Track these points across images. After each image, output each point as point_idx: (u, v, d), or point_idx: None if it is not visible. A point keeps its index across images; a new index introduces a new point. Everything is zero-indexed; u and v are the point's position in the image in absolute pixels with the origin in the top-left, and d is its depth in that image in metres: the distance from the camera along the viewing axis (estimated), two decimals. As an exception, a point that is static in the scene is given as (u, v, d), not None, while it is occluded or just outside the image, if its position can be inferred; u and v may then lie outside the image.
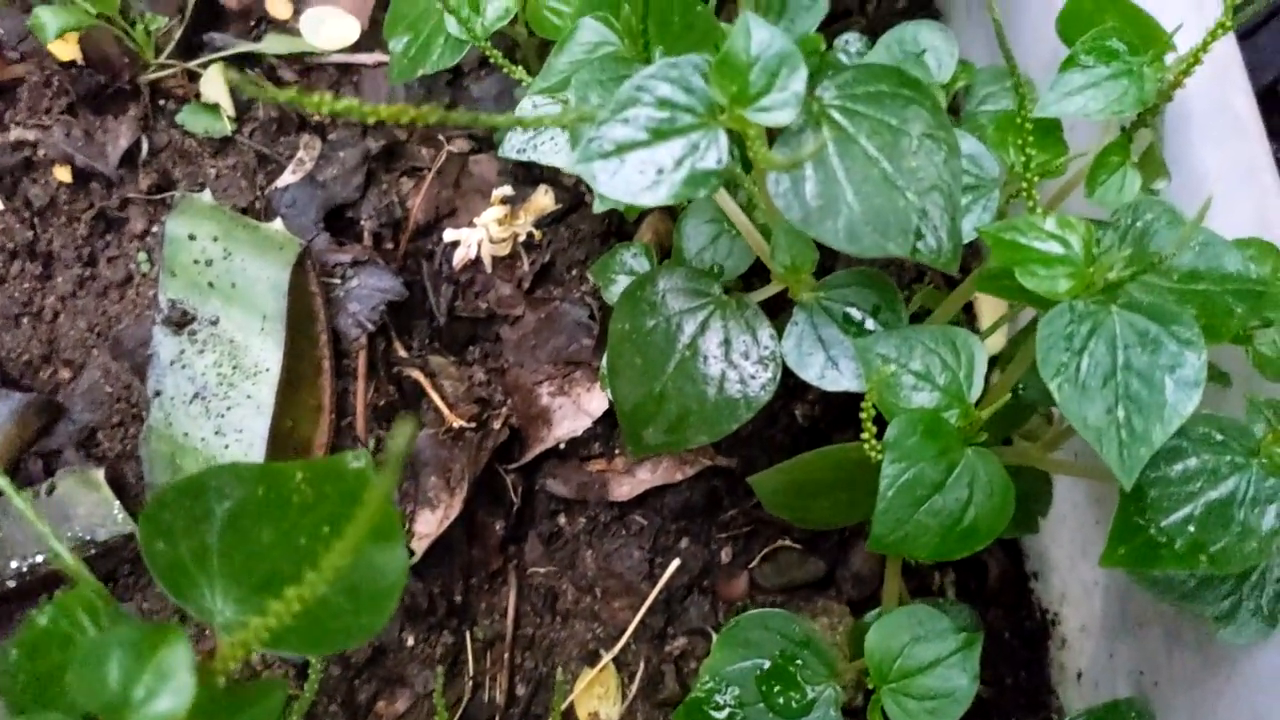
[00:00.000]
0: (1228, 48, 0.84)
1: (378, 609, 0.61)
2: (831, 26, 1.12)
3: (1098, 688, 0.93)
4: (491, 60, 0.80)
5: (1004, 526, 0.70)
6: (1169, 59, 0.78)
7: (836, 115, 0.65)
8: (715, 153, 0.62)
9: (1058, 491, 0.95)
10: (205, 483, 0.65)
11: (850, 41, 0.98)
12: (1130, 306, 0.64)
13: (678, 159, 0.62)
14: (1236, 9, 0.73)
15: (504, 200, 1.05)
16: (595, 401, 1.00)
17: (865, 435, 0.68)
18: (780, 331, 0.77)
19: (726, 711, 0.77)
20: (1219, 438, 0.67)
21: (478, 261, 1.06)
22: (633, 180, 0.62)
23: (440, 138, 1.11)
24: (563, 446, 1.00)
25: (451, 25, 0.92)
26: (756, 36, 0.61)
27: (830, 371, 0.74)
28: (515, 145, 0.91)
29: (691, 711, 0.78)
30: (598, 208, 0.69)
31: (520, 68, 0.78)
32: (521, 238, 1.06)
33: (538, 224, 1.06)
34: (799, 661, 0.77)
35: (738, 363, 0.76)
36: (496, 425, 1.02)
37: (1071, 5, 0.80)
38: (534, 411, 1.02)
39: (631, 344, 0.79)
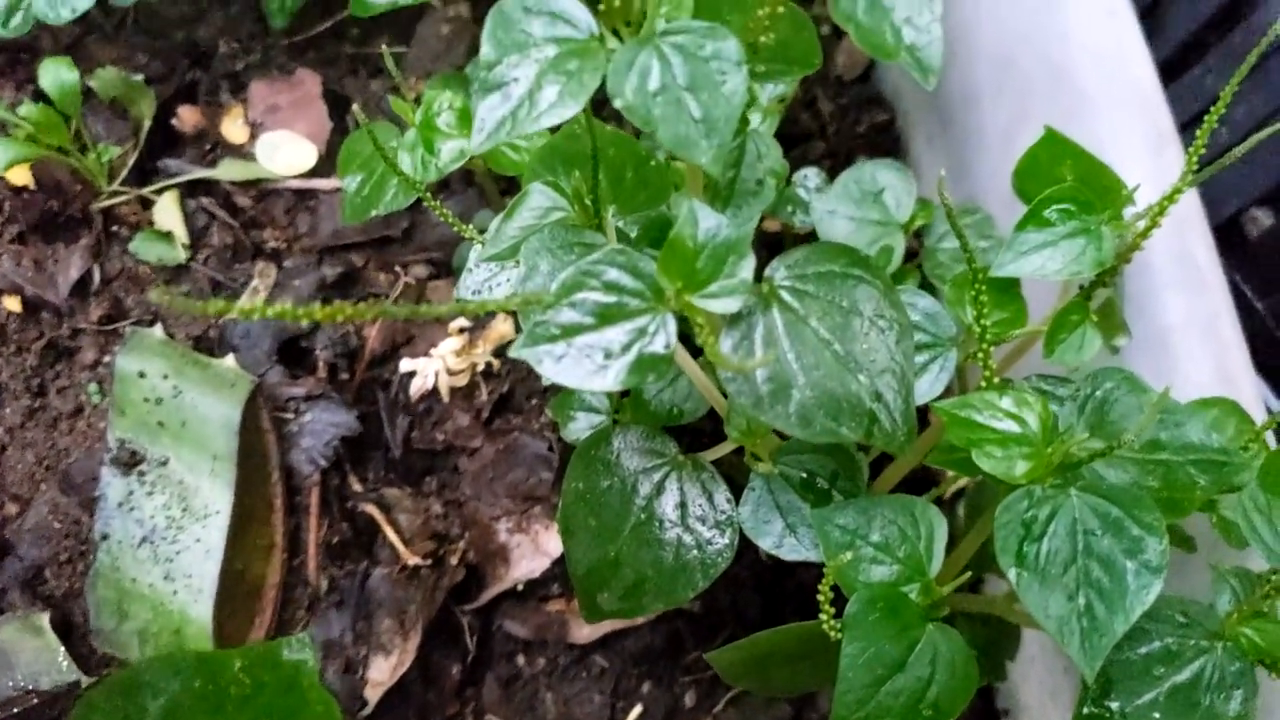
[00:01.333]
0: (1188, 197, 0.83)
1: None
2: (792, 151, 1.12)
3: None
4: (436, 212, 0.78)
5: (967, 703, 0.68)
6: (1128, 212, 0.77)
7: (787, 296, 0.63)
8: (663, 337, 0.61)
9: (1028, 633, 0.93)
10: (139, 679, 0.63)
11: (809, 176, 0.98)
12: (1090, 489, 0.63)
13: (625, 343, 0.61)
14: (1198, 169, 0.72)
15: (462, 330, 1.04)
16: (554, 541, 0.98)
17: (824, 615, 0.66)
18: (738, 491, 0.76)
19: None
20: (1182, 619, 0.65)
21: (435, 391, 1.04)
22: (579, 365, 0.60)
23: (397, 265, 1.10)
24: (520, 588, 0.97)
25: (405, 164, 0.91)
26: (704, 224, 0.60)
27: (788, 540, 0.73)
28: (471, 287, 0.89)
29: None
30: (547, 380, 0.68)
31: (470, 227, 0.76)
32: (480, 367, 1.04)
33: (497, 353, 1.05)
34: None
35: (694, 527, 0.74)
36: (453, 562, 1.00)
37: (1027, 157, 0.79)
38: (492, 548, 1.00)
39: (586, 504, 0.77)
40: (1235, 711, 0.64)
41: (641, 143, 0.80)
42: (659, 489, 0.76)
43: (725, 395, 0.76)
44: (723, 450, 0.77)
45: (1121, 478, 0.68)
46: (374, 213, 0.93)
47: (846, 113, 1.16)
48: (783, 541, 0.73)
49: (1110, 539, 0.62)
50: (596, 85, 0.57)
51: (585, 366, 0.60)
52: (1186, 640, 0.65)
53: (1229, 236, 0.97)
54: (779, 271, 0.64)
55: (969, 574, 0.69)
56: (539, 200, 0.72)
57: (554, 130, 0.82)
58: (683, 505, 0.75)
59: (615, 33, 0.59)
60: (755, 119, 0.62)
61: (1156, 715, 0.64)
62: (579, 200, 0.71)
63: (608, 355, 0.61)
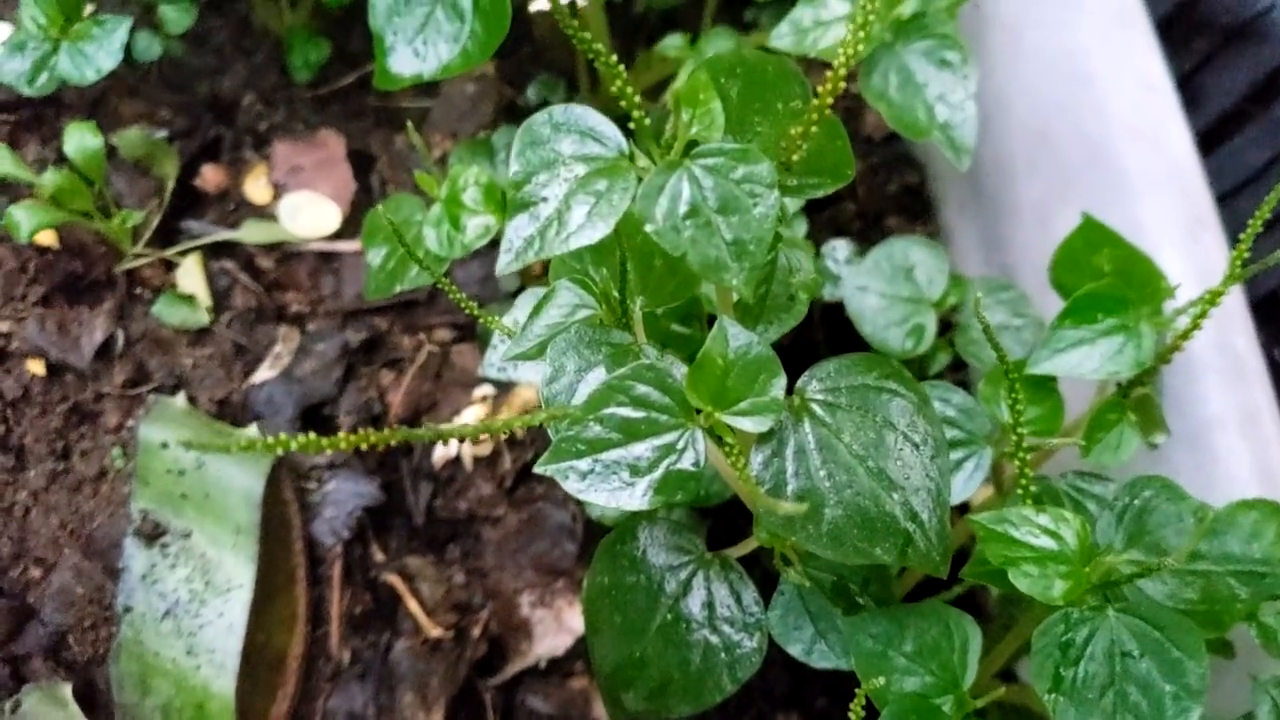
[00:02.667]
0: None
1: None
2: (821, 213, 1.10)
3: None
4: (451, 296, 0.77)
5: (1000, 818, 0.67)
6: (1168, 305, 0.75)
7: (819, 410, 0.62)
8: (692, 454, 0.60)
9: None
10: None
11: (838, 248, 0.96)
12: (1129, 610, 0.62)
13: (653, 460, 0.60)
14: (1245, 262, 0.70)
15: (485, 397, 1.03)
16: (577, 618, 0.97)
17: (853, 729, 0.65)
18: (766, 588, 0.74)
19: None
20: (1223, 742, 0.64)
21: (458, 460, 1.03)
22: (606, 482, 0.59)
23: (421, 330, 1.09)
24: (543, 665, 0.96)
25: (430, 240, 0.90)
26: (734, 342, 0.59)
27: (819, 646, 0.71)
28: (495, 364, 0.89)
29: None
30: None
31: (495, 316, 0.75)
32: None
33: (521, 420, 1.04)
34: None
35: (722, 629, 0.73)
36: (476, 634, 0.99)
37: (1064, 248, 0.78)
38: (515, 622, 0.99)
39: (611, 600, 0.76)
40: (1278, 838, 0.62)
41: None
42: (686, 587, 0.75)
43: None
44: (750, 546, 0.76)
45: (1160, 590, 0.66)
46: (398, 288, 0.92)
47: (876, 173, 1.14)
48: (813, 648, 0.72)
49: (1149, 662, 0.61)
50: (626, 205, 0.56)
51: (612, 484, 0.60)
52: (1227, 763, 0.63)
53: (1270, 313, 0.95)
54: (811, 384, 0.63)
55: (1003, 689, 0.67)
56: (566, 298, 0.71)
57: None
58: (710, 605, 0.74)
59: (644, 147, 0.58)
60: (787, 229, 0.61)
61: (1197, 840, 0.62)
62: (606, 298, 0.70)
63: (635, 471, 0.60)
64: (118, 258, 1.09)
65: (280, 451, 0.52)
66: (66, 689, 0.95)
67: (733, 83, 0.61)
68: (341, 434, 0.52)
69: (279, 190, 1.13)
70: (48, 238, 1.09)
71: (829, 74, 0.56)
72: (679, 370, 0.63)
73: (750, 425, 0.59)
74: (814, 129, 0.56)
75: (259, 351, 1.08)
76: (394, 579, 1.01)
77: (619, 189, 0.56)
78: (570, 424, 0.60)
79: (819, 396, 0.63)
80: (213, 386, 1.06)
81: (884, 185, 1.13)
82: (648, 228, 0.55)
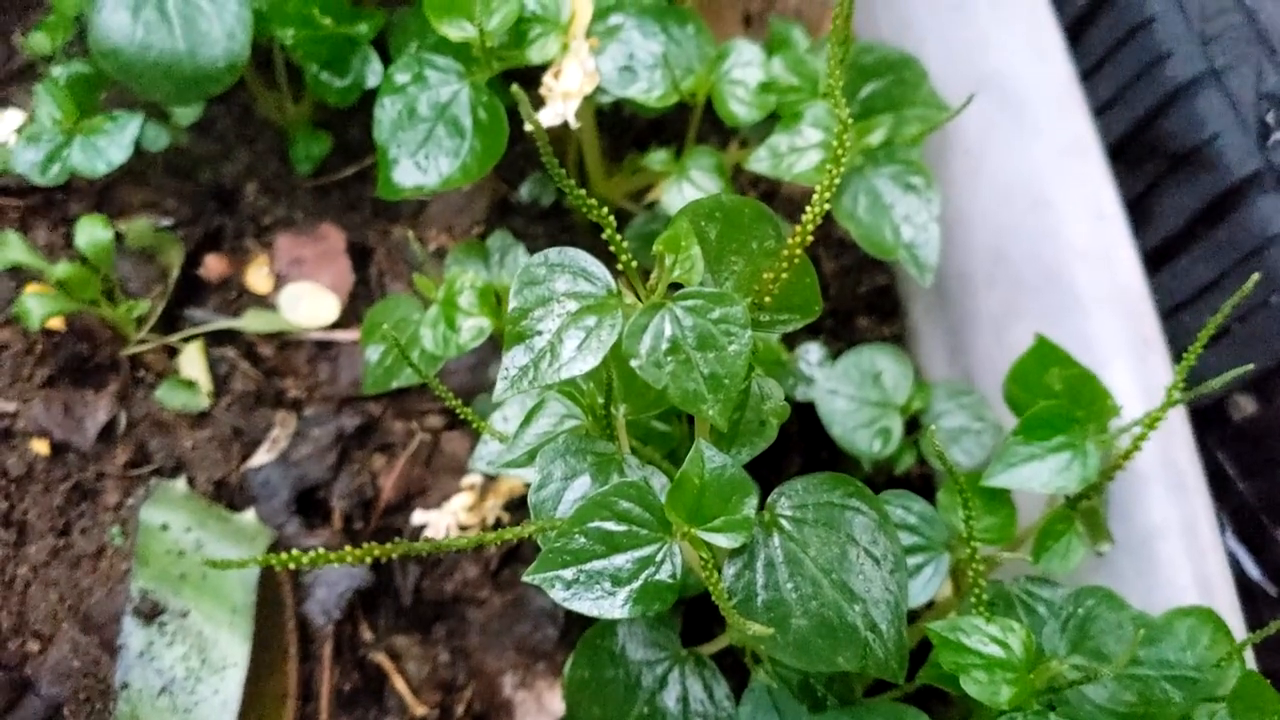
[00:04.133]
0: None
1: None
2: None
3: None
4: (440, 395, 0.82)
5: None
6: (1113, 423, 0.81)
7: (788, 525, 0.67)
8: (669, 567, 0.65)
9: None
10: None
11: (810, 351, 1.02)
12: (1070, 715, 0.67)
13: (633, 571, 0.65)
14: (1187, 385, 0.76)
15: (473, 486, 1.08)
16: (556, 700, 1.01)
17: (816, 823, 0.69)
18: (737, 683, 0.79)
19: None
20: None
21: (446, 544, 1.08)
22: (589, 591, 0.64)
23: (414, 418, 1.14)
24: (525, 746, 1.01)
25: (426, 340, 0.96)
26: (710, 464, 0.64)
27: (785, 742, 0.76)
28: (485, 458, 0.94)
29: None
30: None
31: (489, 423, 0.80)
32: (490, 521, 1.08)
33: (507, 506, 1.09)
34: None
35: (695, 723, 0.78)
36: (460, 712, 1.03)
37: (1018, 366, 0.84)
38: (498, 702, 1.03)
39: (591, 693, 0.80)
40: None
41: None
42: (662, 682, 0.79)
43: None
44: (722, 643, 0.81)
45: (1100, 694, 0.71)
46: (394, 384, 0.97)
47: (848, 274, 1.20)
48: (781, 744, 0.76)
49: (1089, 763, 0.66)
50: (614, 340, 0.62)
51: (595, 593, 0.65)
52: None
53: (1214, 419, 1.02)
54: (781, 501, 0.68)
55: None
56: (555, 409, 0.77)
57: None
58: (685, 700, 0.79)
59: (630, 283, 0.64)
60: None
61: None
62: (592, 409, 0.75)
63: (616, 581, 0.65)
64: (122, 343, 1.14)
65: (290, 566, 0.57)
66: (63, 763, 0.98)
67: (712, 225, 0.67)
68: (348, 549, 0.57)
69: (280, 280, 1.18)
70: (55, 322, 1.14)
71: (804, 217, 0.62)
72: (659, 481, 0.68)
73: (724, 541, 0.64)
74: (784, 275, 0.62)
75: (257, 435, 1.12)
76: (382, 658, 1.05)
77: (607, 325, 0.62)
78: (557, 536, 0.65)
79: (788, 513, 0.68)
80: (211, 468, 1.11)
81: (855, 286, 1.19)
82: (632, 363, 0.60)
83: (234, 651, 1.00)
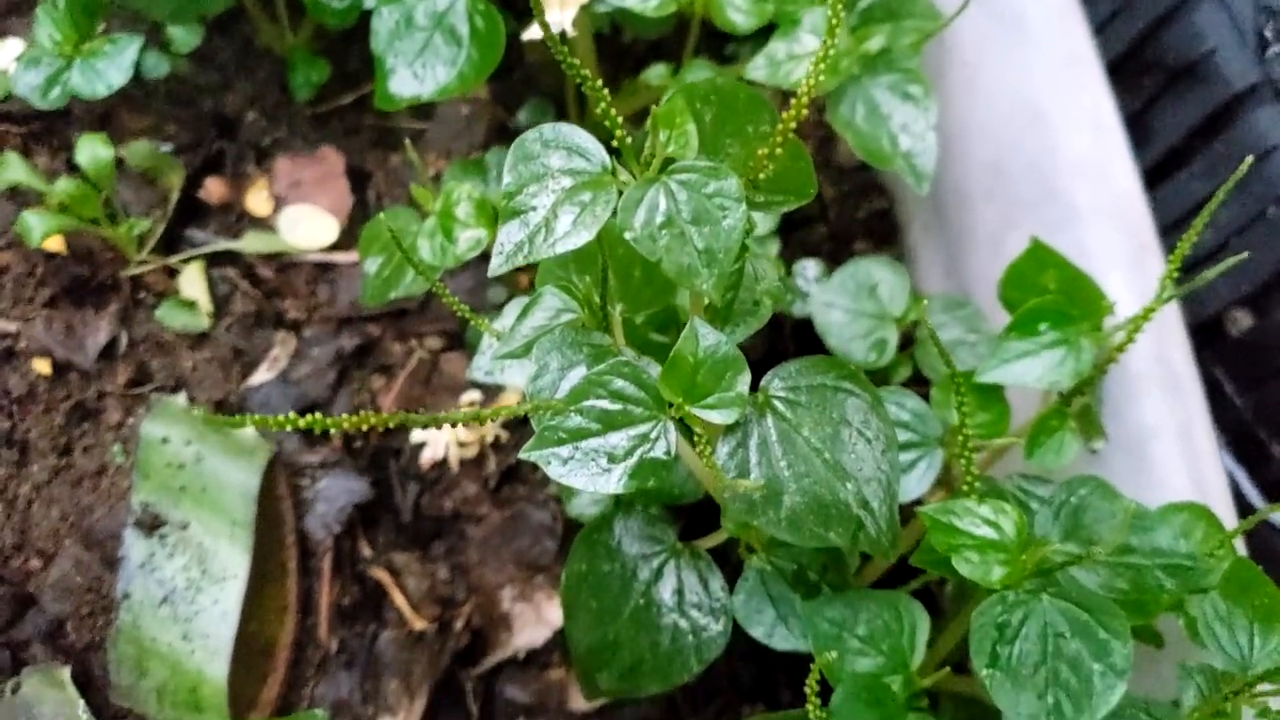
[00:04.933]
0: (1168, 306, 0.88)
1: None
2: (794, 234, 1.16)
3: None
4: (447, 302, 0.83)
5: (944, 790, 0.72)
6: (1108, 322, 0.81)
7: (781, 406, 0.68)
8: (664, 444, 0.65)
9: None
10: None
11: (808, 267, 1.02)
12: (1061, 594, 0.67)
13: (628, 448, 0.65)
14: (1178, 280, 0.77)
15: (472, 404, 1.08)
16: (555, 611, 1.02)
17: (810, 706, 0.70)
18: (732, 577, 0.80)
19: None
20: (1146, 719, 0.69)
21: (445, 461, 1.08)
22: (585, 468, 0.65)
23: (412, 337, 1.14)
24: (522, 656, 1.01)
25: (424, 251, 0.96)
26: (704, 341, 0.65)
27: (779, 629, 0.77)
28: (483, 368, 0.94)
29: None
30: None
31: (485, 319, 0.81)
32: (489, 439, 1.09)
33: (505, 426, 1.09)
34: None
35: (690, 614, 0.79)
36: (458, 627, 1.04)
37: (1014, 267, 0.84)
38: (496, 615, 1.04)
39: (588, 586, 0.81)
40: (1196, 809, 0.68)
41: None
42: (658, 574, 0.80)
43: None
44: (718, 538, 0.82)
45: (1092, 581, 0.72)
46: (393, 295, 0.97)
47: (847, 199, 1.20)
48: (774, 631, 0.77)
49: (1079, 642, 0.66)
50: (608, 215, 0.62)
51: (590, 470, 0.65)
52: (1150, 739, 0.69)
53: (1211, 334, 1.02)
54: (774, 383, 0.69)
55: (948, 669, 0.72)
56: (551, 302, 0.77)
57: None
58: (680, 591, 0.79)
59: (625, 163, 0.64)
60: (755, 242, 0.67)
61: (1121, 810, 0.68)
62: (588, 303, 0.76)
63: (612, 459, 0.65)
64: (123, 264, 1.15)
65: (288, 429, 0.58)
66: (65, 672, 0.99)
67: (707, 108, 0.67)
68: (344, 415, 0.58)
69: (279, 203, 1.18)
70: (56, 244, 1.14)
71: (794, 100, 0.62)
72: (654, 369, 0.69)
73: (717, 418, 0.65)
74: (779, 150, 0.62)
75: (256, 356, 1.13)
76: (381, 573, 1.06)
77: (602, 200, 0.62)
78: (553, 415, 0.66)
79: (781, 394, 0.68)
80: (211, 388, 1.11)
81: (853, 210, 1.20)
82: (626, 235, 0.61)
83: (234, 563, 1.01)
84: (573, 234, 0.62)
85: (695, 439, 0.65)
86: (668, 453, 0.65)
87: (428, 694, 1.00)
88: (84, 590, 1.06)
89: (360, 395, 1.11)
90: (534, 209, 0.63)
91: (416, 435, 1.08)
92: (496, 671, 1.03)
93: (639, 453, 0.65)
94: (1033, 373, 0.78)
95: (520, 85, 1.26)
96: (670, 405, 0.66)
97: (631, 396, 0.66)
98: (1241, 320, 1.01)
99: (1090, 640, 0.66)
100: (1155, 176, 1.03)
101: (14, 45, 1.22)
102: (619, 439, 0.65)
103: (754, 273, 0.69)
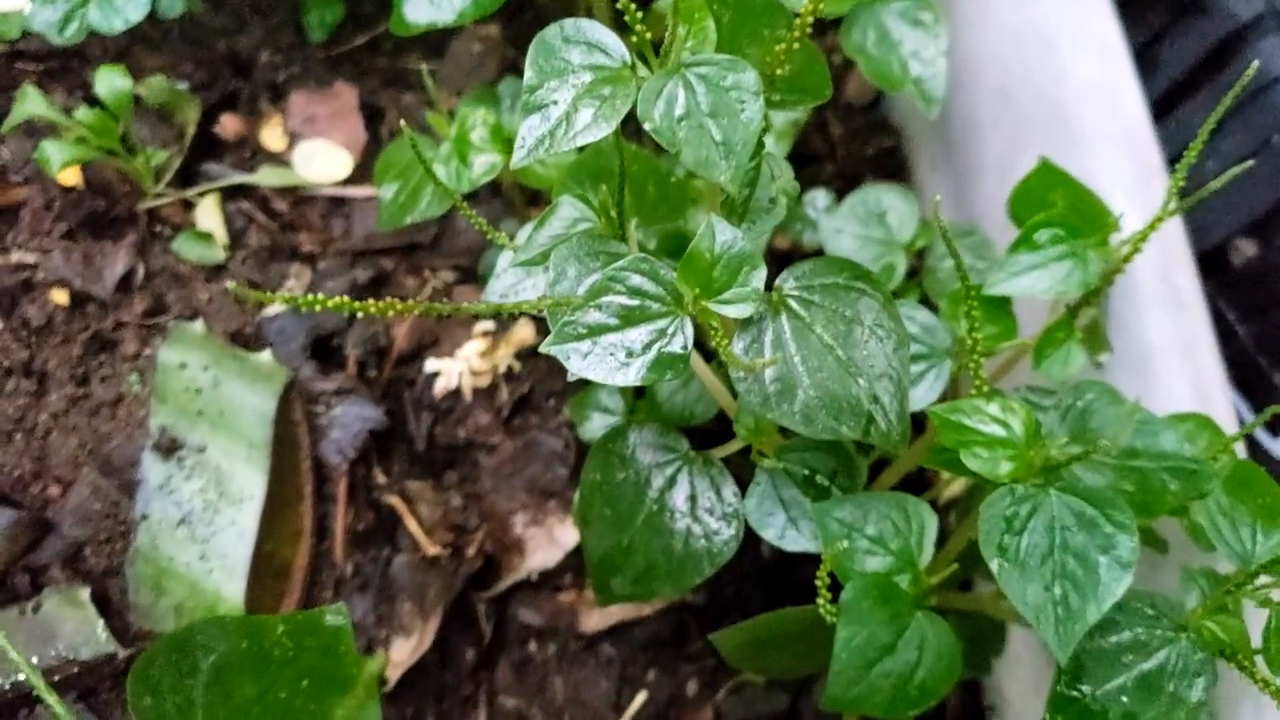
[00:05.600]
0: (1172, 224, 0.89)
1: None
2: (803, 171, 1.18)
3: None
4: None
5: (951, 687, 0.74)
6: (1114, 238, 0.83)
7: (795, 304, 0.69)
8: (681, 339, 0.67)
9: (1014, 632, 0.98)
10: (192, 636, 0.69)
11: (818, 198, 1.04)
12: (1068, 489, 0.69)
13: (646, 343, 0.67)
14: (1182, 193, 0.78)
15: (485, 334, 1.10)
16: (568, 534, 1.03)
17: (821, 599, 0.72)
18: (744, 487, 0.81)
19: None
20: (1151, 612, 0.71)
21: (458, 391, 1.10)
22: (604, 362, 0.66)
23: (425, 270, 1.16)
24: (535, 578, 1.03)
25: (440, 175, 0.97)
26: (720, 237, 0.66)
27: (790, 532, 0.78)
28: (499, 291, 0.95)
29: None
30: (572, 377, 0.73)
31: (503, 234, 0.82)
32: (502, 369, 1.10)
33: (518, 355, 1.11)
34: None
35: (703, 518, 0.80)
36: (471, 552, 1.06)
37: (1023, 184, 0.85)
38: (508, 540, 1.05)
39: (602, 495, 0.82)
40: (1197, 698, 0.69)
41: (662, 162, 0.86)
42: (671, 482, 0.82)
43: (735, 396, 0.82)
44: (731, 448, 0.83)
45: (1098, 481, 0.73)
46: (408, 219, 0.99)
47: (855, 137, 1.22)
48: (785, 533, 0.79)
49: (1085, 535, 0.68)
50: (627, 109, 0.63)
51: (609, 364, 0.66)
52: (1154, 631, 0.70)
53: (1214, 264, 1.03)
54: (788, 282, 0.70)
55: (956, 566, 0.74)
56: (568, 212, 0.78)
57: (581, 148, 0.88)
58: (693, 498, 0.81)
59: (644, 60, 0.65)
60: (770, 142, 0.68)
61: (1125, 699, 0.69)
62: (605, 213, 0.77)
63: (629, 354, 0.66)
64: (140, 197, 1.16)
65: (318, 309, 0.59)
66: (84, 592, 1.01)
67: (724, 10, 0.68)
68: (370, 300, 0.59)
69: (294, 138, 1.20)
70: (73, 178, 1.16)
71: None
72: (670, 275, 0.70)
73: (733, 312, 0.66)
74: (795, 47, 0.63)
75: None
76: (395, 500, 1.07)
77: (621, 94, 0.64)
78: (573, 310, 0.67)
79: (795, 293, 0.70)
80: (226, 319, 1.13)
81: (862, 148, 1.21)
82: (646, 126, 0.62)
83: (251, 485, 1.02)
84: (593, 127, 0.63)
85: (712, 333, 0.67)
86: (684, 347, 0.67)
87: (441, 616, 1.02)
88: (102, 516, 1.08)
89: (374, 326, 1.13)
90: (555, 103, 0.64)
91: (430, 364, 1.09)
92: (509, 595, 1.05)
93: (656, 347, 0.67)
94: (1041, 284, 0.80)
95: (532, 24, 1.26)
96: (687, 301, 0.67)
97: (649, 293, 0.67)
98: (1244, 249, 1.02)
99: (1096, 534, 0.68)
100: (1161, 109, 1.04)
101: (28, -15, 1.23)
102: (637, 334, 0.67)
103: (770, 171, 0.70)
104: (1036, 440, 0.70)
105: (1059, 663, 0.67)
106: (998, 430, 0.70)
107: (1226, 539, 0.71)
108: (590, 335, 0.67)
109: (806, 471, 0.79)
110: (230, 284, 0.60)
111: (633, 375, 0.66)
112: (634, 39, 0.64)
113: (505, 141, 0.97)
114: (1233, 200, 1.01)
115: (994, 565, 0.67)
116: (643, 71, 0.65)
